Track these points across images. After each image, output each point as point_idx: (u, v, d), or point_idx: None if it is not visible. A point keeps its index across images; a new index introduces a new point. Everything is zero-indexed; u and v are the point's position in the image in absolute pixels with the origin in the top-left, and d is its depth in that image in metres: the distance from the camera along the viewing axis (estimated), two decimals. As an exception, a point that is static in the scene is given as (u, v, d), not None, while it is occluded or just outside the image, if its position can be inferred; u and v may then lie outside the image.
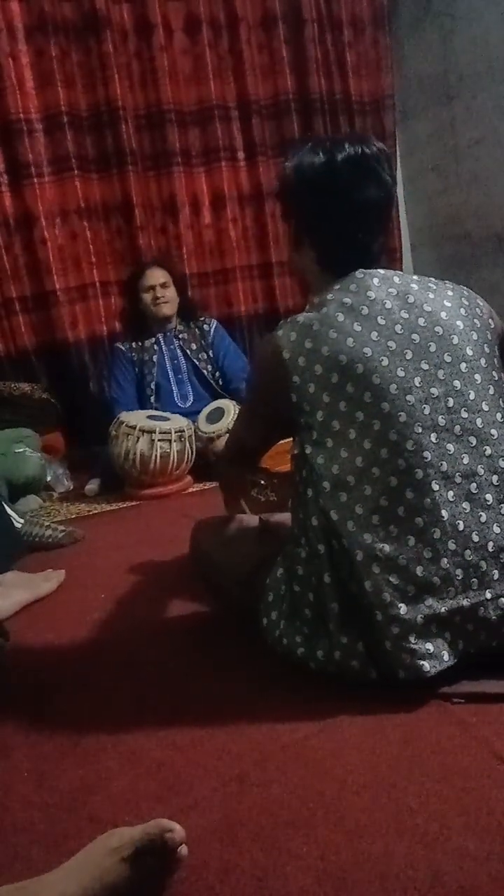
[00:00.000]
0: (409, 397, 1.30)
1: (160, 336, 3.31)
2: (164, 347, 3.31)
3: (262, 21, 3.91)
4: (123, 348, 3.32)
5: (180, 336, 3.35)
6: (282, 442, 1.78)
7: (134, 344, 3.30)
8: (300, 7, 3.94)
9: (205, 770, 1.19)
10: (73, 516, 2.79)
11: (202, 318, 3.46)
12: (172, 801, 1.12)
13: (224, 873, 0.98)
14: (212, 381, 3.33)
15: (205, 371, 3.33)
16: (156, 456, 2.87)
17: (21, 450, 2.93)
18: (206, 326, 3.42)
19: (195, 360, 3.33)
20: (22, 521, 2.39)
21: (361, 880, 0.94)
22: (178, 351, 3.33)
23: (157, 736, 1.30)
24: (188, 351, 3.33)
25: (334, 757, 1.18)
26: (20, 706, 1.45)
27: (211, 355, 3.37)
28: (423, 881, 0.92)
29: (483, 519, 1.30)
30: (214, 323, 3.47)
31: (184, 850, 0.96)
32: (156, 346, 3.30)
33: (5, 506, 2.37)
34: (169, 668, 1.55)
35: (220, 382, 3.36)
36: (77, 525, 2.53)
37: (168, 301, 3.27)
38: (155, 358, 3.28)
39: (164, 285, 3.26)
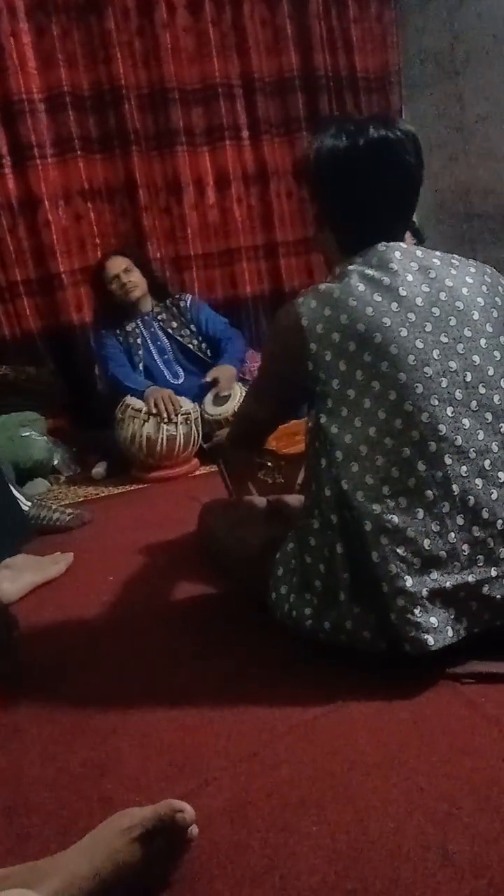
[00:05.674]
0: (426, 369, 1.29)
1: (139, 321, 3.31)
2: (144, 331, 3.32)
3: (266, -4, 3.85)
4: (109, 333, 3.31)
5: (159, 317, 3.35)
6: (288, 423, 1.78)
7: (118, 330, 3.30)
8: (304, -18, 3.88)
9: (215, 751, 1.20)
10: (81, 499, 2.79)
11: (177, 296, 3.46)
12: (183, 782, 1.13)
13: (235, 853, 0.98)
14: (200, 354, 3.34)
15: (191, 346, 3.34)
16: (162, 439, 2.87)
17: (28, 433, 2.93)
18: (182, 303, 3.42)
19: (178, 338, 3.33)
20: (30, 504, 2.39)
21: (372, 860, 0.94)
22: (160, 332, 3.33)
23: (167, 717, 1.31)
24: (169, 330, 3.34)
25: (344, 737, 1.19)
26: (30, 688, 1.46)
27: (194, 329, 3.38)
28: (433, 860, 0.93)
29: (494, 496, 1.29)
30: (189, 297, 3.47)
31: (194, 830, 0.96)
32: (137, 331, 3.30)
33: (13, 489, 2.37)
34: (177, 649, 1.55)
35: (209, 354, 3.36)
36: (84, 508, 2.54)
37: (136, 284, 3.26)
38: (139, 341, 3.29)
39: (126, 271, 3.25)
